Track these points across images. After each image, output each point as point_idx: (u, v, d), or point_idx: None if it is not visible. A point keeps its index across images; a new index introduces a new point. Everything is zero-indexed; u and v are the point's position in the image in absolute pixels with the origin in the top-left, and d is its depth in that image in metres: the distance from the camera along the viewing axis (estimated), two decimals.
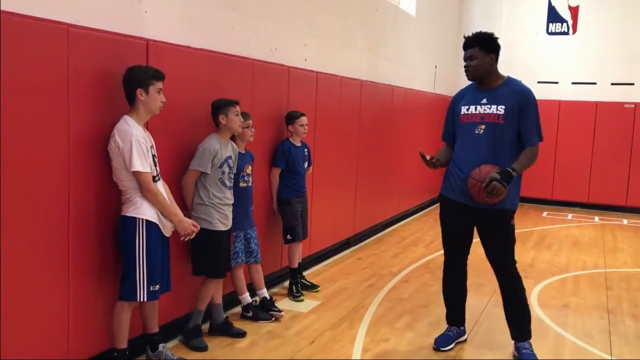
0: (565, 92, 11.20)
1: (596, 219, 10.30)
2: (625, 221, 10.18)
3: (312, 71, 6.10)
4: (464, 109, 4.06)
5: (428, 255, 7.16)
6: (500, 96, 3.96)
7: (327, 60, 6.57)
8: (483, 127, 3.95)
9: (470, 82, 4.18)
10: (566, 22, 11.09)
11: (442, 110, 11.36)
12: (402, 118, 8.84)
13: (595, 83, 11.06)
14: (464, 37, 4.08)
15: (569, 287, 6.07)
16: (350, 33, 7.26)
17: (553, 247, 7.92)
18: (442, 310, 5.13)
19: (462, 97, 4.15)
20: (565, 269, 6.78)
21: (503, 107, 3.92)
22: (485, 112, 3.96)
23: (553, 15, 11.14)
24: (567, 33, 11.13)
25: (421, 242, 7.89)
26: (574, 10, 11.05)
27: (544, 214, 10.61)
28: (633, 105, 10.76)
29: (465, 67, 4.03)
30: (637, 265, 7.13)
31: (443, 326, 4.62)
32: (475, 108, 4.00)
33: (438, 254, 7.18)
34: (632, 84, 10.90)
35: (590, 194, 11.10)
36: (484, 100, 3.98)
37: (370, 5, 7.74)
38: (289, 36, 5.85)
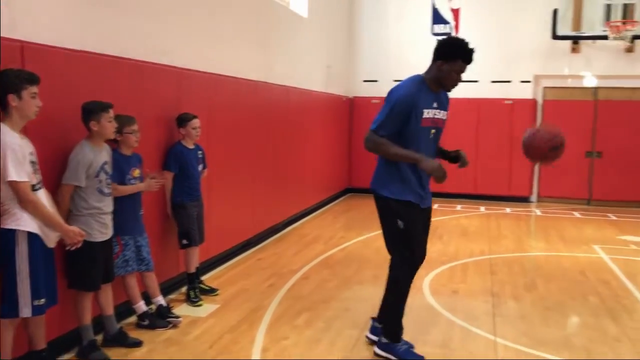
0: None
1: (482, 208, 10.96)
2: (508, 210, 10.92)
3: (204, 72, 6.03)
4: (426, 112, 3.88)
5: (327, 251, 7.30)
6: (444, 101, 4.04)
7: (220, 62, 6.51)
8: (434, 131, 3.99)
9: (413, 76, 3.95)
10: (449, 23, 11.69)
11: (336, 109, 11.70)
12: (298, 118, 8.95)
13: (477, 81, 11.77)
14: (472, 52, 3.87)
15: (458, 274, 6.43)
16: (243, 34, 7.25)
17: (444, 237, 8.35)
18: (340, 304, 5.31)
19: (419, 97, 3.86)
20: (455, 257, 7.17)
21: (446, 113, 4.07)
22: (436, 116, 3.95)
23: (437, 17, 11.70)
24: (450, 34, 11.74)
25: (321, 238, 8.04)
26: (456, 12, 11.67)
27: (435, 206, 11.10)
28: (511, 102, 11.58)
29: (457, 82, 3.91)
30: (518, 250, 7.68)
31: (342, 321, 4.77)
32: (432, 112, 3.93)
33: (336, 250, 7.36)
34: (510, 81, 11.72)
35: (477, 185, 11.82)
36: (435, 105, 3.94)
37: (261, 7, 7.76)
38: (181, 38, 5.75)
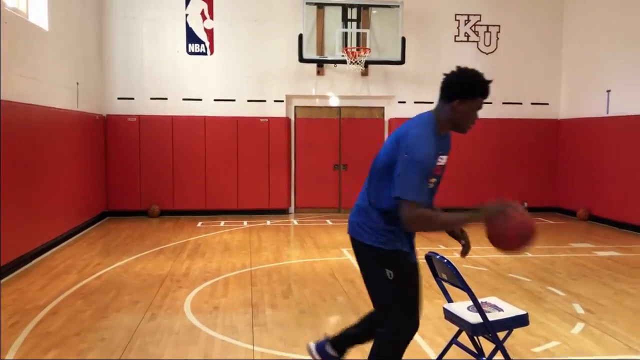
0: (209, 108, 12.02)
1: (245, 223, 11.30)
2: (268, 222, 11.43)
3: None
4: (438, 160, 3.25)
5: (81, 280, 6.81)
6: (447, 143, 3.38)
7: None
8: (434, 180, 3.29)
9: (426, 118, 3.25)
10: (204, 43, 11.89)
11: (89, 128, 11.04)
12: (44, 137, 8.22)
13: (234, 100, 12.15)
14: (489, 84, 3.19)
15: (220, 289, 6.53)
16: None
17: (206, 254, 8.40)
18: (95, 334, 5.02)
19: (437, 147, 3.21)
20: (217, 273, 7.26)
21: (447, 157, 3.37)
22: (439, 163, 3.27)
23: (191, 36, 11.81)
24: (205, 53, 11.94)
25: (74, 268, 7.46)
26: (210, 33, 11.92)
27: (199, 224, 11.16)
28: (267, 120, 12.19)
29: (475, 121, 3.24)
30: (276, 260, 8.09)
31: (97, 352, 4.51)
32: (439, 160, 3.28)
33: (92, 278, 6.92)
34: (265, 100, 12.33)
35: (239, 200, 12.16)
36: (441, 150, 3.26)
37: None
38: None
